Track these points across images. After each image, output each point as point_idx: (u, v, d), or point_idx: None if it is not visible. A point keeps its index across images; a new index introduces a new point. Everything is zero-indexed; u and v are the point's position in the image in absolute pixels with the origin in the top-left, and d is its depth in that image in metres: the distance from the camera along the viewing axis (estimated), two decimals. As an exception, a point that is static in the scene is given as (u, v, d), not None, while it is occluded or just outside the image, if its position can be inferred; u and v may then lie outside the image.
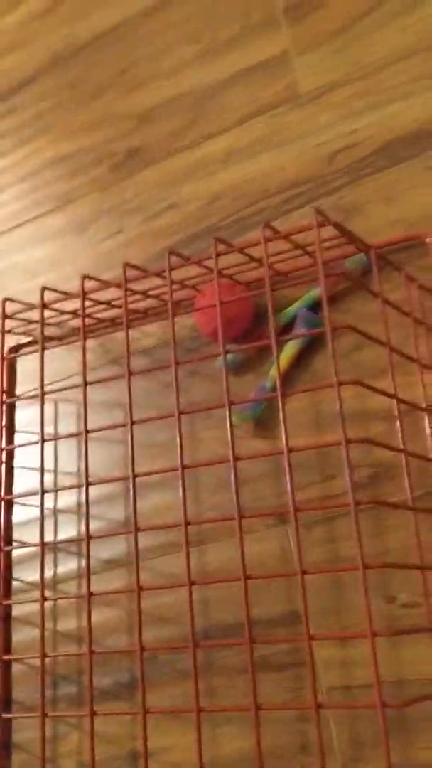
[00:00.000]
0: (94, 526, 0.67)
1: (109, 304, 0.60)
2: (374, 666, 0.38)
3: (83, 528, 0.68)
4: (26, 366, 0.74)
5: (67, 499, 0.69)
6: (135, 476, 0.49)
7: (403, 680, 0.54)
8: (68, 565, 0.67)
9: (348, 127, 0.65)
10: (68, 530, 0.68)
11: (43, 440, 0.55)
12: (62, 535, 0.68)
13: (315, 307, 0.62)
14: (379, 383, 0.59)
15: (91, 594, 0.49)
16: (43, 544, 0.54)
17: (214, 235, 0.50)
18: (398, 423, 0.47)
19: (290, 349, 0.61)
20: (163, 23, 0.76)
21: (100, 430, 0.51)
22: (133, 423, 0.50)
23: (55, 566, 0.68)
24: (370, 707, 0.39)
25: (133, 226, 0.72)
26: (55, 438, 0.54)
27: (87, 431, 0.51)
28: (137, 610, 0.46)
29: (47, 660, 0.66)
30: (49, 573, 0.68)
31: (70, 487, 0.51)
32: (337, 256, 0.60)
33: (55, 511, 0.69)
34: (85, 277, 0.53)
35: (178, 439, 0.48)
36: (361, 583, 0.39)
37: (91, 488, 0.68)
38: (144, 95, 0.75)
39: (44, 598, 0.53)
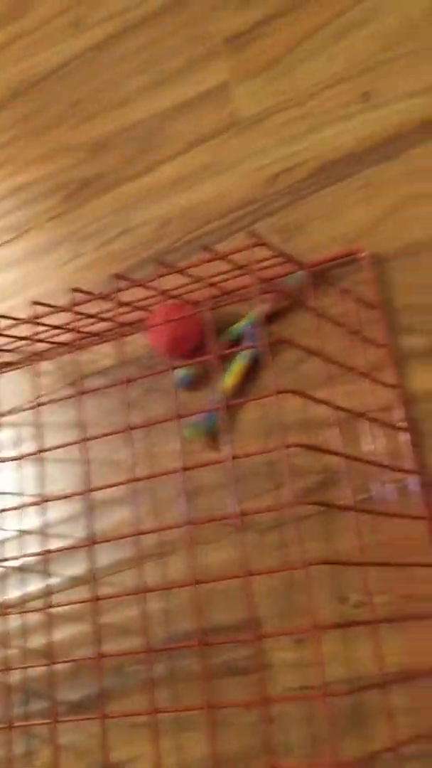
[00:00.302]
0: (57, 545, 0.69)
1: (61, 327, 0.62)
2: (319, 657, 0.40)
3: (47, 547, 0.69)
4: (-10, 391, 0.76)
5: (30, 521, 0.71)
6: (90, 490, 0.51)
7: (360, 677, 0.56)
8: (34, 584, 0.69)
9: (286, 151, 0.68)
10: (32, 550, 0.70)
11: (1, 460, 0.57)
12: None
13: (263, 321, 0.65)
14: (322, 393, 0.61)
15: (50, 606, 0.51)
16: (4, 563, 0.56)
17: (160, 258, 0.52)
18: (337, 429, 0.50)
19: (237, 364, 0.64)
20: (113, 57, 0.79)
21: (50, 449, 0.53)
22: (86, 440, 0.52)
23: (22, 586, 0.69)
24: (315, 698, 0.41)
25: (89, 251, 0.75)
26: (12, 459, 0.56)
27: (41, 451, 0.53)
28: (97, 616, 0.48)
29: (17, 676, 0.67)
30: (16, 593, 0.69)
31: (26, 506, 0.53)
32: (280, 274, 0.62)
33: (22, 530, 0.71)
34: (35, 303, 0.56)
35: (134, 455, 0.51)
36: (304, 579, 0.42)
37: (52, 509, 0.70)
38: (95, 126, 0.78)
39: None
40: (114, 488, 0.67)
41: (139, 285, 0.53)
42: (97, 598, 0.47)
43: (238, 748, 0.58)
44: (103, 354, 0.72)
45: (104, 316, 0.65)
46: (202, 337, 0.66)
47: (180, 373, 0.65)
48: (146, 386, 0.69)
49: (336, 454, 0.48)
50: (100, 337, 0.70)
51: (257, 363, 0.65)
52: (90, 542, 0.51)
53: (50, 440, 0.72)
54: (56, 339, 0.72)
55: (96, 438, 0.52)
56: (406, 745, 0.53)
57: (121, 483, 0.51)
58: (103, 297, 0.55)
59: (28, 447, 0.72)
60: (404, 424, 0.58)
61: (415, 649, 0.55)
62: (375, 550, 0.57)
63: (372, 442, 0.59)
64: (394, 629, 0.56)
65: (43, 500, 0.53)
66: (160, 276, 0.52)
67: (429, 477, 0.57)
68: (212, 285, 0.61)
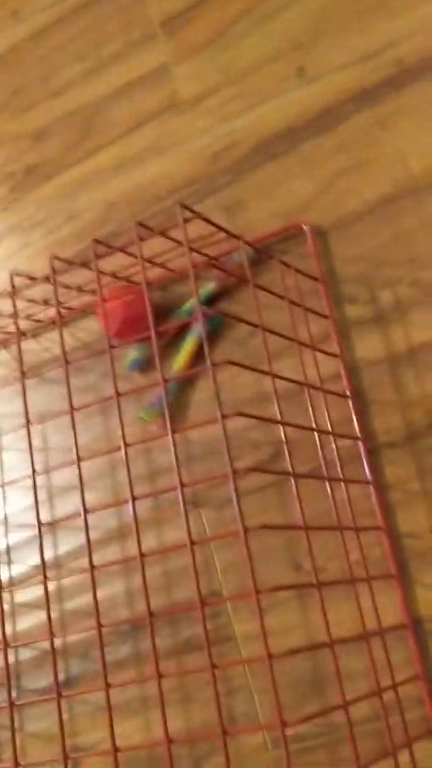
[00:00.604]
0: (16, 534, 0.69)
1: (10, 316, 0.62)
2: (260, 620, 0.41)
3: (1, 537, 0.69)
4: None
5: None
6: (35, 473, 0.51)
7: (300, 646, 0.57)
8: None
9: (226, 129, 0.68)
10: (-4, 539, 0.70)
11: None
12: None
13: (210, 301, 0.65)
14: (271, 366, 0.62)
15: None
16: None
17: (93, 237, 0.52)
18: (275, 399, 0.50)
19: (187, 343, 0.64)
20: (51, 45, 0.79)
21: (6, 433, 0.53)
22: (29, 424, 0.52)
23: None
24: (259, 660, 0.41)
25: (37, 239, 0.75)
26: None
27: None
28: (45, 595, 0.48)
29: (-15, 667, 0.67)
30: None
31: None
32: (225, 252, 0.63)
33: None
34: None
35: (85, 433, 0.51)
36: (243, 545, 0.42)
37: (12, 495, 0.70)
38: (36, 115, 0.78)
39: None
40: (75, 473, 0.68)
41: (80, 266, 0.53)
42: (93, 567, 0.48)
43: (204, 721, 0.59)
44: (55, 341, 0.72)
45: (54, 301, 0.65)
46: (155, 319, 0.66)
47: (131, 355, 0.65)
48: (101, 371, 0.69)
49: (274, 422, 0.48)
50: (53, 323, 0.70)
51: (209, 341, 0.65)
52: (37, 523, 0.51)
53: (6, 427, 0.72)
54: (6, 329, 0.72)
55: (42, 423, 0.52)
56: (357, 703, 0.54)
57: (65, 465, 0.51)
58: (44, 279, 0.55)
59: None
60: (348, 393, 0.58)
61: (364, 612, 0.55)
62: (326, 516, 0.58)
63: (318, 412, 0.59)
64: (346, 594, 0.56)
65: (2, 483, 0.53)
66: (98, 257, 0.52)
67: (374, 443, 0.58)
68: (156, 265, 0.62)
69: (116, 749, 0.44)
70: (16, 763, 0.47)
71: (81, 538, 0.66)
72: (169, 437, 0.46)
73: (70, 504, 0.68)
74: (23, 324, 0.72)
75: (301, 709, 0.56)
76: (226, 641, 0.59)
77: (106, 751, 0.45)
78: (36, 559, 0.68)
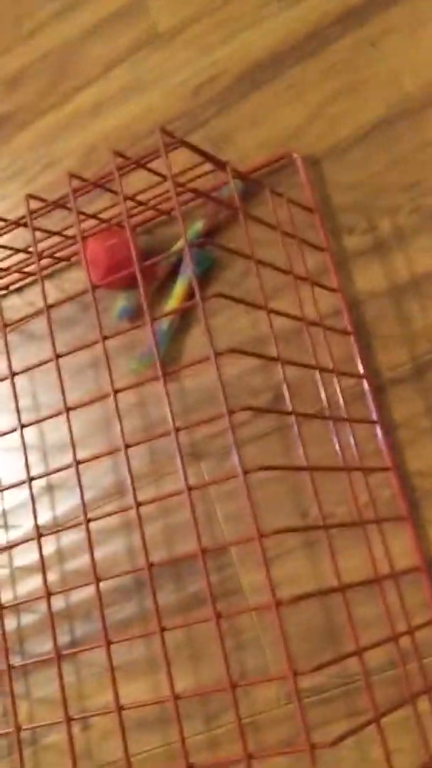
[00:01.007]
0: (13, 495, 0.66)
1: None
2: (264, 565, 0.38)
3: None
4: None
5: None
6: (22, 426, 0.48)
7: (308, 592, 0.54)
8: (-4, 538, 0.67)
9: (207, 61, 0.64)
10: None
11: None
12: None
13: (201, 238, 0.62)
14: (266, 301, 0.59)
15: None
16: None
17: (69, 171, 0.49)
18: (273, 337, 0.47)
19: (179, 287, 0.61)
20: (20, -14, 0.75)
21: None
22: (13, 375, 0.49)
23: (-17, 542, 0.67)
24: (264, 608, 0.39)
25: (14, 191, 0.71)
26: None
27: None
28: (40, 557, 0.46)
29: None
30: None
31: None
32: (214, 186, 0.59)
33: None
34: None
35: (77, 389, 0.48)
36: (244, 489, 0.39)
37: (5, 456, 0.67)
38: (8, 60, 0.74)
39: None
40: (64, 433, 0.65)
41: (55, 205, 0.50)
42: (87, 520, 0.45)
43: (216, 677, 0.57)
44: (40, 294, 0.69)
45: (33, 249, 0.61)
46: (140, 261, 0.63)
47: (119, 303, 0.62)
48: (90, 324, 0.66)
49: (272, 359, 0.45)
50: (37, 276, 0.67)
51: (200, 284, 0.62)
52: (27, 478, 0.48)
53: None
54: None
55: (24, 371, 0.49)
56: (373, 652, 0.52)
57: (54, 415, 0.48)
58: (18, 222, 0.51)
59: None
60: (350, 329, 0.55)
61: (376, 556, 0.53)
62: (332, 459, 0.55)
63: (319, 351, 0.56)
64: (356, 539, 0.54)
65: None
66: (76, 192, 0.49)
67: (379, 380, 0.55)
68: (139, 203, 0.58)
69: (120, 707, 0.42)
70: (18, 727, 0.45)
71: (78, 498, 0.63)
72: (161, 380, 0.43)
73: (64, 462, 0.65)
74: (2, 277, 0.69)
75: (314, 661, 0.54)
76: (234, 594, 0.57)
77: (110, 710, 0.43)
78: (32, 521, 0.65)
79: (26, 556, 0.65)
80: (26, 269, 0.67)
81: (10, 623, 0.65)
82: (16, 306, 0.69)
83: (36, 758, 0.62)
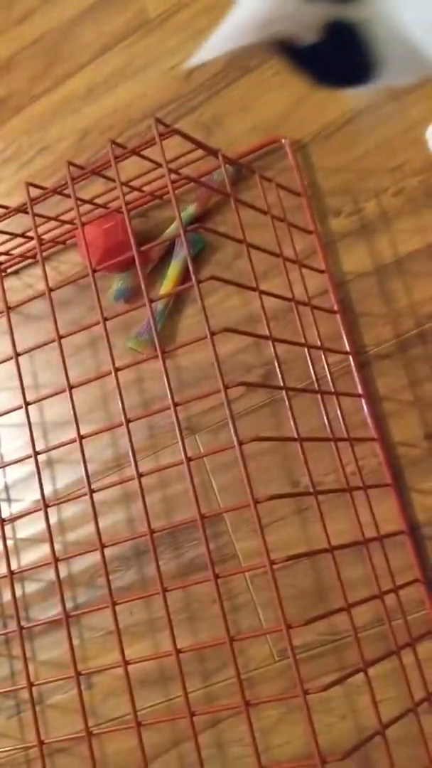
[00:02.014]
0: (13, 472, 0.69)
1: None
2: (260, 531, 0.41)
3: None
4: None
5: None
6: (27, 404, 0.51)
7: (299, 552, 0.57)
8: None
9: (198, 45, 0.66)
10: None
11: None
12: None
13: (191, 225, 0.64)
14: (257, 282, 0.61)
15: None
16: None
17: (67, 159, 0.51)
18: (263, 315, 0.50)
19: (173, 270, 0.63)
20: (10, -31, 0.76)
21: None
22: (18, 355, 0.51)
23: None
24: (259, 568, 0.42)
25: (9, 175, 0.73)
26: None
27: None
28: (47, 528, 0.49)
29: (-7, 603, 0.68)
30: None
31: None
32: (204, 171, 0.61)
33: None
34: None
35: (75, 368, 0.51)
36: (239, 459, 0.42)
37: (6, 433, 0.70)
38: (4, 41, 0.75)
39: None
40: (68, 407, 0.67)
41: (53, 192, 0.52)
42: (92, 491, 0.48)
43: (211, 638, 0.60)
44: (38, 277, 0.71)
45: (31, 234, 0.63)
46: (137, 245, 0.65)
47: (115, 285, 0.65)
48: (87, 305, 0.68)
49: (264, 338, 0.48)
50: (35, 258, 0.69)
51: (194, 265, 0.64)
52: (33, 453, 0.51)
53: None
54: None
55: (27, 352, 0.52)
56: (361, 609, 0.55)
57: (57, 393, 0.51)
58: (19, 209, 0.53)
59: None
60: (336, 308, 0.58)
61: (363, 522, 0.56)
62: (321, 432, 0.58)
63: (303, 329, 0.59)
64: (345, 505, 0.57)
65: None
66: (74, 181, 0.51)
67: (365, 356, 0.58)
68: (134, 188, 0.60)
69: (126, 662, 0.45)
70: (30, 684, 0.48)
71: (78, 472, 0.66)
72: (159, 358, 0.45)
73: (64, 438, 0.68)
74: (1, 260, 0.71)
75: (305, 616, 0.58)
76: (230, 559, 0.60)
77: (117, 664, 0.46)
78: (35, 495, 0.68)
79: (28, 528, 0.67)
80: (22, 252, 0.69)
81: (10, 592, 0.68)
82: (14, 287, 0.71)
83: (42, 717, 0.65)
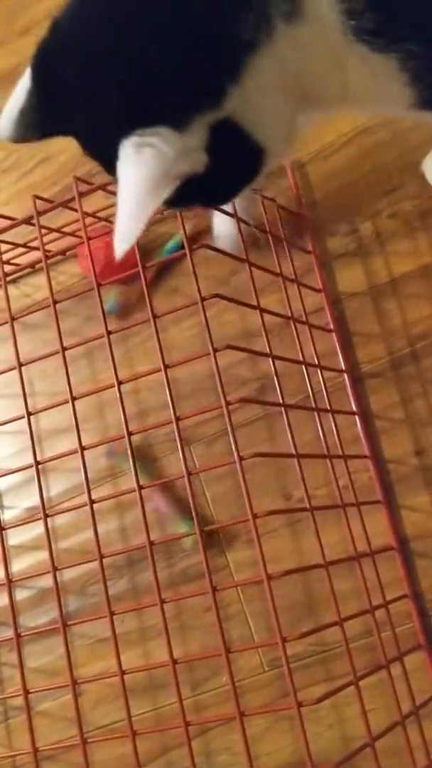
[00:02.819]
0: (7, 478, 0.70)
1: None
2: (258, 543, 0.42)
3: None
4: None
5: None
6: (30, 414, 0.51)
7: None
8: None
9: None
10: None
11: None
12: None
13: (189, 241, 0.65)
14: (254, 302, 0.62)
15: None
16: None
17: (75, 175, 0.52)
18: (264, 333, 0.51)
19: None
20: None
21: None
22: (21, 365, 0.52)
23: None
24: (256, 581, 0.43)
25: (9, 185, 0.73)
26: None
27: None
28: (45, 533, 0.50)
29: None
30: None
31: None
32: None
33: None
34: None
35: (70, 377, 0.51)
36: (239, 472, 0.43)
37: (1, 441, 0.70)
38: (2, 56, 0.76)
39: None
40: (62, 417, 0.68)
41: (61, 205, 0.53)
42: (92, 502, 0.49)
43: (202, 647, 0.61)
44: (36, 286, 0.71)
45: (33, 245, 0.64)
46: (135, 259, 0.66)
47: (108, 300, 0.65)
48: (85, 314, 0.69)
49: (266, 355, 0.49)
50: (32, 268, 0.70)
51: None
52: (34, 464, 0.51)
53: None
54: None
55: (32, 362, 0.52)
56: (350, 622, 0.56)
57: (60, 404, 0.52)
58: (26, 221, 0.54)
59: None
60: (332, 326, 0.59)
61: (355, 535, 0.57)
62: (314, 446, 0.59)
63: (301, 346, 0.60)
64: (336, 518, 0.58)
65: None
66: (81, 195, 0.52)
67: (358, 373, 0.59)
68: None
69: (123, 672, 0.46)
70: (26, 691, 0.49)
71: (71, 480, 0.67)
72: (162, 371, 0.46)
73: (58, 448, 0.68)
74: None
75: (295, 631, 0.59)
76: (221, 570, 0.61)
77: (112, 674, 0.47)
78: (27, 502, 0.69)
79: (20, 535, 0.68)
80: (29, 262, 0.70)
81: (3, 599, 0.68)
82: (12, 296, 0.72)
83: (32, 723, 0.66)
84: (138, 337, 0.67)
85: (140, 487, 0.47)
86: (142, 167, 0.36)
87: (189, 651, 0.61)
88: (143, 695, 0.62)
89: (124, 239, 0.37)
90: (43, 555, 0.67)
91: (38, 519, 0.50)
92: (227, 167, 0.40)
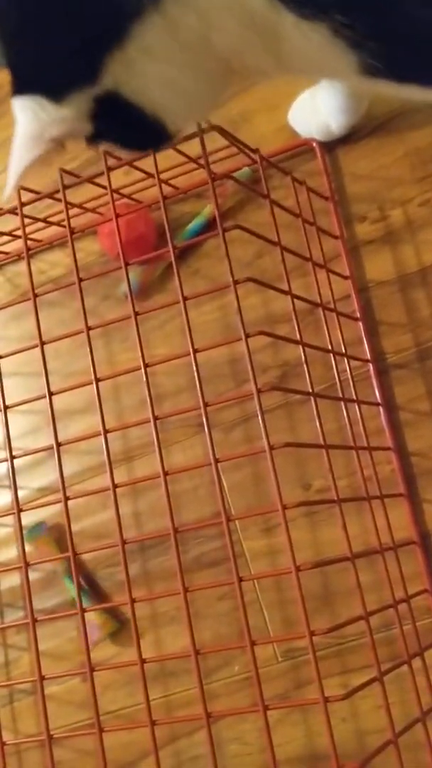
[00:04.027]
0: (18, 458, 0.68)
1: (8, 234, 0.60)
2: (286, 534, 0.41)
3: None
4: None
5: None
6: (51, 394, 0.50)
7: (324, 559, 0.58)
8: (1, 498, 0.69)
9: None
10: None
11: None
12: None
13: (212, 222, 0.64)
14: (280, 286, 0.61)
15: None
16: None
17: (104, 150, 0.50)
18: (295, 320, 0.50)
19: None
20: None
21: (9, 354, 0.52)
22: (43, 344, 0.51)
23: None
24: (286, 573, 0.42)
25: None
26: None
27: (-1, 357, 0.52)
28: (66, 519, 0.48)
29: (-9, 591, 0.68)
30: (-18, 508, 0.69)
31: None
32: (230, 169, 0.61)
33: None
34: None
35: (90, 357, 0.50)
36: (269, 461, 0.42)
37: (12, 420, 0.69)
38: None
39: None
40: (78, 398, 0.67)
41: (87, 180, 0.51)
42: (115, 486, 0.48)
43: (215, 636, 0.60)
44: (51, 263, 0.70)
45: (53, 220, 0.62)
46: (156, 239, 0.64)
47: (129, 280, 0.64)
48: (101, 294, 0.68)
49: (296, 342, 0.48)
50: (50, 244, 0.68)
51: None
52: (56, 447, 0.50)
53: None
54: (5, 248, 0.70)
55: (54, 341, 0.51)
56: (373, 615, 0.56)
57: (81, 385, 0.50)
58: (51, 195, 0.53)
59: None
60: (358, 315, 0.58)
61: (378, 527, 0.57)
62: (335, 436, 0.58)
63: (329, 333, 0.59)
64: (356, 510, 0.57)
65: (5, 407, 0.53)
66: (110, 170, 0.50)
67: (383, 364, 0.58)
68: (164, 182, 0.60)
69: (143, 660, 0.45)
70: (41, 677, 0.48)
71: (81, 463, 0.66)
72: (191, 355, 0.45)
73: (71, 428, 0.67)
74: (11, 246, 0.69)
75: (312, 623, 0.58)
76: (236, 558, 0.60)
77: (131, 662, 0.46)
78: (37, 483, 0.67)
79: (31, 516, 0.67)
80: (41, 238, 0.68)
81: (13, 580, 0.67)
82: (26, 272, 0.70)
83: (36, 708, 0.65)
84: (156, 320, 0.66)
85: (165, 473, 0.46)
86: (22, 126, 0.42)
87: (201, 639, 0.60)
88: (153, 683, 0.61)
89: (7, 187, 0.43)
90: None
91: (58, 501, 0.49)
92: (132, 131, 0.43)
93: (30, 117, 0.41)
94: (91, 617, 0.60)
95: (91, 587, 0.64)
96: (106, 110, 0.41)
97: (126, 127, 0.43)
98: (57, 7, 0.39)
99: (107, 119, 0.42)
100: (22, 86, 0.41)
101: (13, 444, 0.69)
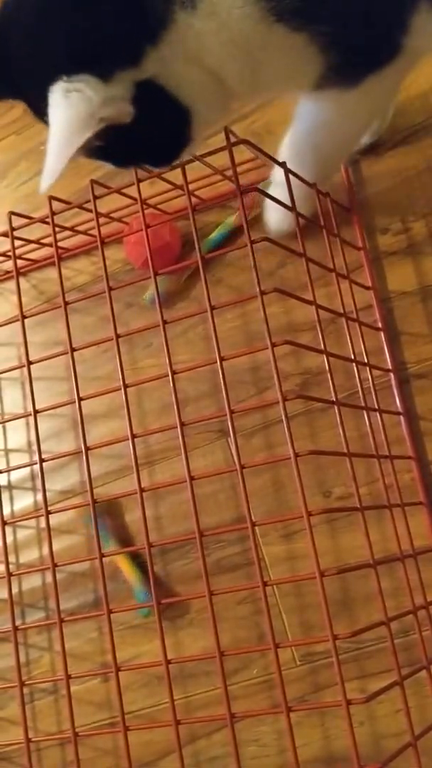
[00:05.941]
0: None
1: (37, 242, 0.61)
2: (311, 540, 0.42)
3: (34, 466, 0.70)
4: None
5: (17, 438, 0.71)
6: (81, 399, 0.51)
7: (347, 566, 0.59)
8: (24, 500, 0.70)
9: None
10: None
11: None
12: (14, 473, 0.70)
13: (234, 232, 0.65)
14: (303, 296, 0.62)
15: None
16: None
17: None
18: (318, 329, 0.51)
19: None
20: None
21: (40, 360, 0.53)
22: (73, 350, 0.52)
23: (11, 503, 0.70)
24: (310, 578, 0.43)
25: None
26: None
27: (29, 363, 0.53)
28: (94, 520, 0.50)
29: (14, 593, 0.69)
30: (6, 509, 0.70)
31: (16, 418, 0.53)
32: (254, 181, 0.62)
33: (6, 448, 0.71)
34: (11, 214, 0.55)
35: (118, 363, 0.51)
36: (294, 468, 0.43)
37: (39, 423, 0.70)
38: None
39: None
40: (100, 402, 0.68)
41: (117, 191, 0.53)
42: (142, 490, 0.49)
43: (234, 639, 0.61)
44: (76, 270, 0.71)
45: (81, 228, 0.64)
46: (181, 248, 0.66)
47: (151, 288, 0.65)
48: (125, 301, 0.69)
49: (320, 351, 0.49)
50: (75, 252, 0.69)
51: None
52: (84, 450, 0.51)
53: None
54: (29, 256, 0.71)
55: (83, 348, 0.52)
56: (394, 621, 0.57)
57: (110, 391, 0.52)
58: (82, 205, 0.54)
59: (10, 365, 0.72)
60: (380, 325, 0.59)
61: (391, 536, 0.57)
62: (356, 444, 0.59)
63: (352, 342, 0.60)
64: (376, 518, 0.58)
65: (35, 411, 0.54)
66: (140, 182, 0.52)
67: (404, 374, 0.59)
68: (191, 192, 0.61)
69: (168, 661, 0.46)
70: (68, 676, 0.49)
71: (104, 466, 0.67)
72: (218, 363, 0.46)
73: (92, 433, 0.68)
74: (37, 254, 0.71)
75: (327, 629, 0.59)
76: (254, 563, 0.61)
77: (156, 663, 0.47)
78: (59, 486, 0.69)
79: (52, 518, 0.68)
80: (64, 244, 0.70)
81: (33, 581, 0.68)
82: (52, 280, 0.72)
83: (57, 706, 0.66)
84: (179, 327, 0.67)
85: (191, 478, 0.47)
86: (69, 108, 0.40)
87: (220, 642, 0.61)
88: (172, 684, 0.62)
89: (49, 176, 0.41)
90: (71, 539, 0.67)
91: (86, 504, 0.50)
92: (160, 124, 0.44)
93: (77, 98, 0.40)
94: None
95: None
96: (143, 98, 0.42)
97: (154, 122, 0.43)
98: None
99: (141, 107, 0.42)
100: (68, 67, 0.40)
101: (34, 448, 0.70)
